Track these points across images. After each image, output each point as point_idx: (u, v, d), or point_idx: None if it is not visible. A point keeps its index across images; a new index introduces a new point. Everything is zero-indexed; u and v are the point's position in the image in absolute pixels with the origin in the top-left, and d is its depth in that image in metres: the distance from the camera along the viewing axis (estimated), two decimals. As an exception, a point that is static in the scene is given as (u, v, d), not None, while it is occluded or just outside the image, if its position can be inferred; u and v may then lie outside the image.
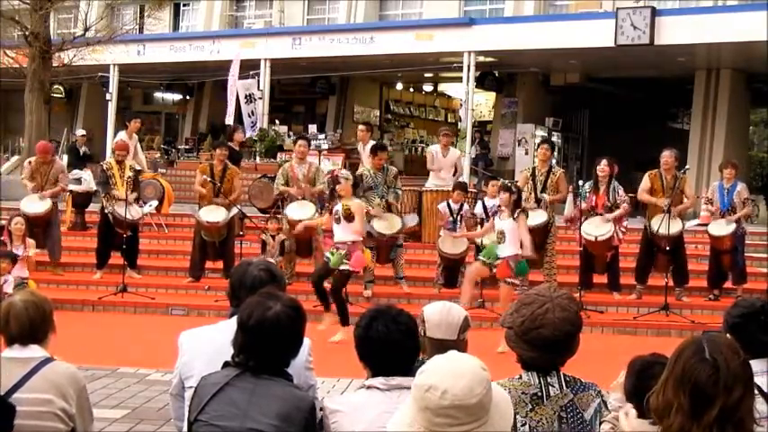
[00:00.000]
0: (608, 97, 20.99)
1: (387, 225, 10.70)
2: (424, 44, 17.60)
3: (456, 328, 3.27)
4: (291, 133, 20.33)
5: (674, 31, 15.43)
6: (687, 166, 11.88)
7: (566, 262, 11.67)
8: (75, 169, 15.01)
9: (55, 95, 22.06)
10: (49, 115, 17.99)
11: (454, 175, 12.38)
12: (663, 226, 10.12)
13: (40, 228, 11.23)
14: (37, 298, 3.43)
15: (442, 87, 25.15)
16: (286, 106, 23.65)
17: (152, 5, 21.59)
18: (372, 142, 13.39)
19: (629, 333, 9.91)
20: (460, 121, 17.78)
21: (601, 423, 2.82)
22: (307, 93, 23.51)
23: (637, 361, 2.84)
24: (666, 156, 10.63)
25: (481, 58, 17.63)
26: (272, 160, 17.86)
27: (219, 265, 11.44)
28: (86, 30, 18.27)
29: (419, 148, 23.26)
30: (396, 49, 17.94)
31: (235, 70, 18.42)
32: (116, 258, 11.43)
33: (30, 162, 11.85)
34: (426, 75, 23.12)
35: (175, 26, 25.42)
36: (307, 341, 3.06)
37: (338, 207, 9.07)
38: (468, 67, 16.94)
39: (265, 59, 18.90)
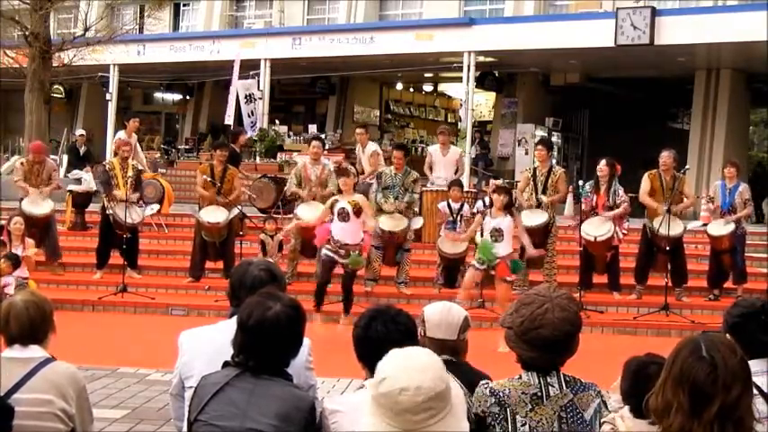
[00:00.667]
0: (608, 97, 20.99)
1: (393, 224, 10.70)
2: (424, 44, 17.61)
3: (456, 328, 3.27)
4: (291, 133, 20.36)
5: (674, 31, 15.43)
6: (687, 166, 11.89)
7: (566, 262, 11.67)
8: (75, 169, 15.02)
9: (55, 95, 22.05)
10: (49, 115, 17.97)
11: (456, 173, 12.36)
12: (663, 226, 10.12)
13: (39, 228, 11.22)
14: (37, 298, 3.43)
15: (442, 87, 25.15)
16: (286, 106, 23.66)
17: (152, 5, 21.58)
18: (371, 144, 13.41)
19: (629, 333, 9.91)
20: (460, 121, 17.79)
21: (602, 424, 2.82)
22: (307, 93, 23.52)
23: (632, 361, 2.84)
24: (665, 157, 10.64)
25: (481, 58, 17.64)
26: (272, 160, 17.87)
27: (219, 265, 11.44)
28: (86, 30, 18.26)
29: (419, 148, 23.26)
30: (396, 49, 17.95)
31: (236, 71, 18.43)
32: (116, 258, 11.43)
33: (22, 164, 11.85)
34: (426, 75, 23.12)
35: (175, 26, 25.43)
36: (307, 341, 3.06)
37: (344, 204, 8.88)
38: (468, 67, 16.95)
39: (265, 59, 18.91)
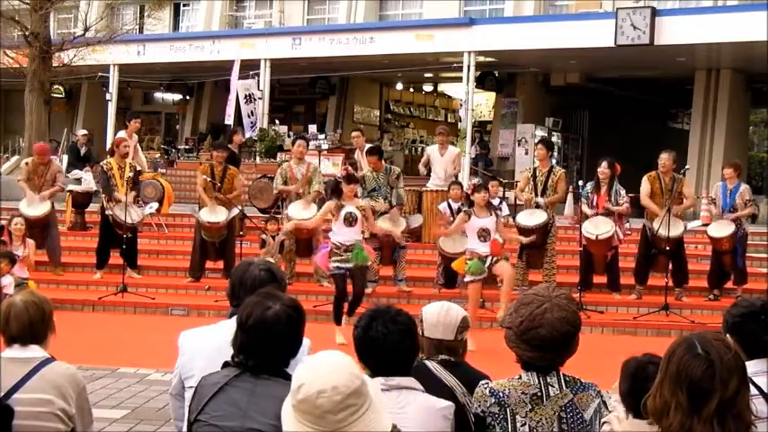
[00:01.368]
0: (608, 97, 20.99)
1: (392, 224, 10.72)
2: (424, 44, 17.61)
3: (454, 328, 3.27)
4: (291, 133, 20.35)
5: (673, 31, 15.43)
6: (687, 167, 11.89)
7: (566, 262, 11.68)
8: (75, 169, 15.01)
9: (55, 95, 22.06)
10: (49, 115, 17.98)
11: (453, 171, 12.38)
12: (663, 227, 10.12)
13: (39, 229, 11.21)
14: (37, 298, 3.43)
15: (442, 87, 25.16)
16: (286, 106, 23.67)
17: (152, 5, 21.60)
18: (369, 145, 13.44)
19: (629, 333, 9.91)
20: (460, 121, 17.79)
21: (602, 424, 2.82)
22: (307, 93, 23.53)
23: (630, 362, 2.84)
24: (664, 158, 10.64)
25: (481, 58, 17.64)
26: (272, 160, 17.86)
27: (219, 265, 11.45)
28: (86, 30, 18.26)
29: (419, 148, 23.28)
30: (396, 49, 17.94)
31: (235, 71, 18.43)
32: (116, 258, 11.43)
33: (26, 163, 11.84)
34: (426, 75, 23.14)
35: (175, 26, 25.43)
36: (307, 341, 3.06)
37: (351, 209, 8.88)
38: (468, 67, 16.95)
39: (265, 59, 18.91)
